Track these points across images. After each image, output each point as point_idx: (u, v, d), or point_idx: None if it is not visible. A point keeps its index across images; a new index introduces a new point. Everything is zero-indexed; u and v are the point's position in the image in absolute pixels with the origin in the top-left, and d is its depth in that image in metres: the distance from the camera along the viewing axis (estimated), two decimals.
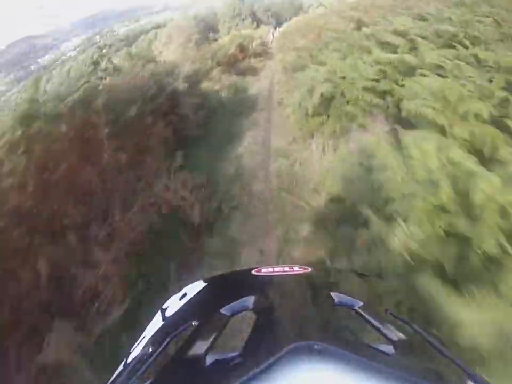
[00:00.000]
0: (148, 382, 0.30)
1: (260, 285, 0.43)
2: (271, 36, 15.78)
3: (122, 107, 3.96)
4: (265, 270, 0.45)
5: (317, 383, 0.24)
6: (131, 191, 3.33)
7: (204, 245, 3.19)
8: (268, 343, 0.28)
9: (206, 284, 0.47)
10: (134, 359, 0.37)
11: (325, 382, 0.24)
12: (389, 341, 0.31)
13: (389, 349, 0.30)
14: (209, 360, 0.29)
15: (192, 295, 0.45)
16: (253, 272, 0.45)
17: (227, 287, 0.48)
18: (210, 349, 0.31)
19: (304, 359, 0.25)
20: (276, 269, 0.45)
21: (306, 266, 0.45)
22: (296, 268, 0.44)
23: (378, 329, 0.33)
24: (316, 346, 0.26)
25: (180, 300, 0.45)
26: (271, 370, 0.24)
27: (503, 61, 3.27)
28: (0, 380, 1.99)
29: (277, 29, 16.54)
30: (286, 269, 0.45)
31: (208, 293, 0.46)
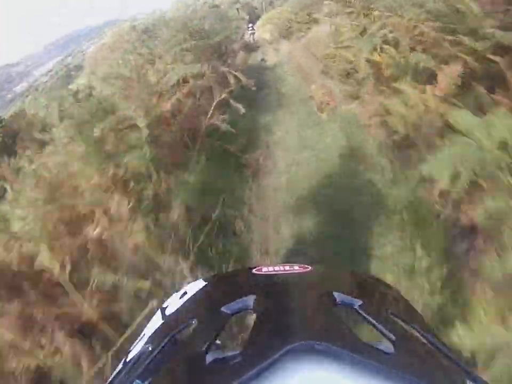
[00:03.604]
0: (148, 381, 0.31)
1: (261, 284, 0.43)
2: (250, 37, 11.70)
3: None
4: (266, 269, 0.45)
5: (318, 382, 0.25)
6: None
7: None
8: (268, 343, 0.28)
9: (206, 282, 0.48)
10: (133, 357, 0.36)
11: (325, 382, 0.25)
12: (389, 340, 0.31)
13: (389, 348, 0.29)
14: (209, 359, 0.29)
15: (192, 294, 0.45)
16: (254, 271, 0.45)
17: (227, 286, 0.48)
18: (210, 347, 0.31)
19: (304, 359, 0.26)
20: (276, 268, 0.45)
21: (306, 266, 0.46)
22: (296, 267, 0.45)
23: (378, 329, 0.33)
24: (316, 346, 0.26)
25: (180, 298, 0.45)
26: (272, 370, 0.25)
27: None
28: None
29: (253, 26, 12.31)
30: (287, 267, 0.45)
31: (208, 291, 0.46)
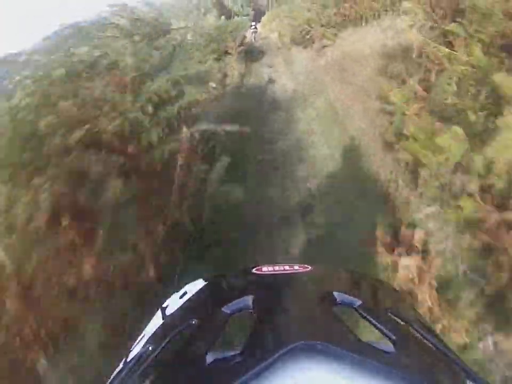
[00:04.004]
0: (148, 381, 0.30)
1: (261, 284, 0.44)
2: (252, 35, 10.04)
3: None
4: (266, 269, 0.45)
5: (318, 382, 0.25)
6: None
7: None
8: (269, 342, 0.28)
9: (206, 282, 0.48)
10: (133, 357, 0.36)
11: (325, 381, 0.25)
12: (389, 340, 0.31)
13: (389, 347, 0.29)
14: (209, 359, 0.29)
15: (192, 294, 0.45)
16: (254, 270, 0.46)
17: (227, 285, 0.49)
18: (210, 347, 0.31)
19: (304, 358, 0.25)
20: (276, 268, 0.45)
21: (306, 266, 0.46)
22: (296, 267, 0.45)
23: (378, 328, 0.33)
24: (317, 346, 0.26)
25: (180, 298, 0.46)
26: (272, 370, 0.25)
27: None
28: None
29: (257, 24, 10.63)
30: (287, 267, 0.45)
31: (208, 291, 0.46)
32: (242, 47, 7.53)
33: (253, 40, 10.09)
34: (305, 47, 6.91)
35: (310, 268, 0.45)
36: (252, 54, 8.18)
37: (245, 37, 9.07)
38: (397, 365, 0.26)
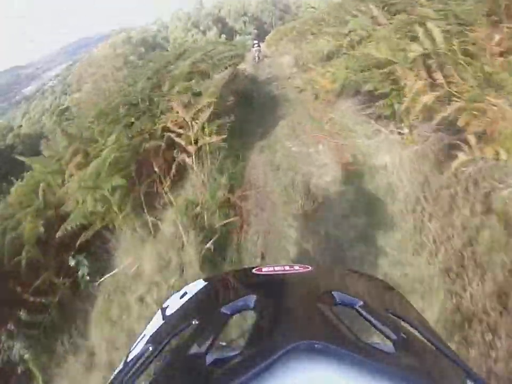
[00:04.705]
0: (148, 381, 0.30)
1: (261, 284, 0.43)
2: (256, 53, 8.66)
3: None
4: (266, 269, 0.45)
5: (317, 382, 0.24)
6: None
7: None
8: (269, 342, 0.28)
9: (206, 282, 0.48)
10: (134, 357, 0.36)
11: (325, 381, 0.24)
12: (389, 340, 0.31)
13: (389, 348, 0.29)
14: (209, 359, 0.29)
15: (192, 294, 0.45)
16: (254, 271, 0.45)
17: (227, 286, 0.48)
18: (210, 348, 0.31)
19: (304, 358, 0.25)
20: (276, 268, 0.45)
21: (306, 266, 0.46)
22: (296, 267, 0.45)
23: (378, 328, 0.33)
24: (316, 346, 0.26)
25: (180, 298, 0.45)
26: (272, 369, 0.24)
27: None
28: None
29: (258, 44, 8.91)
30: (287, 267, 0.45)
31: (208, 292, 0.46)
32: (228, 102, 3.42)
33: (257, 59, 8.53)
34: (385, 126, 2.97)
35: (310, 268, 0.45)
36: (250, 101, 4.41)
37: (235, 75, 5.03)
38: (397, 365, 0.26)
